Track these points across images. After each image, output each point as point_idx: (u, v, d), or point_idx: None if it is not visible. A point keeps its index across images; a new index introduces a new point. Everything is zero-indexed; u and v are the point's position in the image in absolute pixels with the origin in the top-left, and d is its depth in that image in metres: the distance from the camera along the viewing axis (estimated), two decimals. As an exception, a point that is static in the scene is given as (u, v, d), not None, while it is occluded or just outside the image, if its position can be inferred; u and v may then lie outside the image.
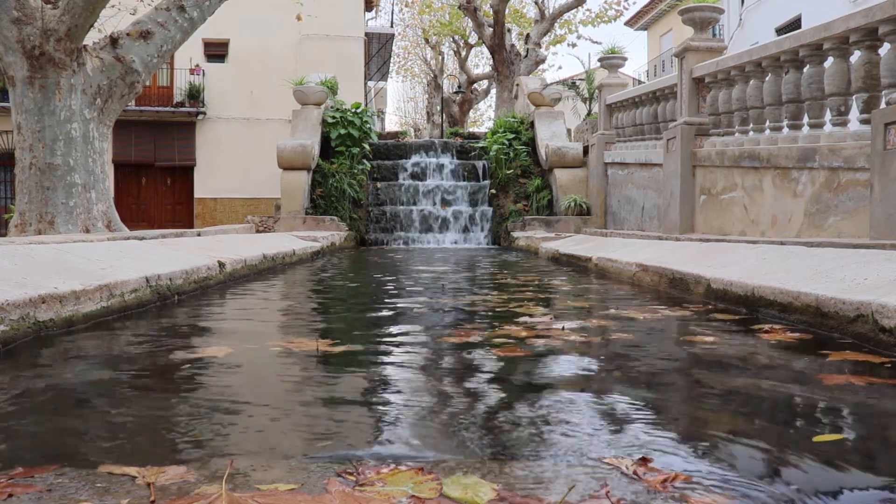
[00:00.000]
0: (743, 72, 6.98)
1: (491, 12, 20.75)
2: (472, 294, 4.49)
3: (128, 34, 8.01)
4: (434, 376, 2.08)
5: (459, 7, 21.82)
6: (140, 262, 3.98)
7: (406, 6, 29.30)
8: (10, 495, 1.05)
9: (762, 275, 3.45)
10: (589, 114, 15.18)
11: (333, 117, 13.04)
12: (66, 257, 3.53)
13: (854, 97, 5.50)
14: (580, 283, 5.25)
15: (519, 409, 1.67)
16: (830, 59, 5.76)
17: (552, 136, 13.38)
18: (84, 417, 1.60)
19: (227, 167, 20.04)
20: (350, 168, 12.72)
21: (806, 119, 6.22)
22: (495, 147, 13.33)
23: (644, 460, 1.21)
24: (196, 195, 20.41)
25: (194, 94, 19.96)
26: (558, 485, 1.11)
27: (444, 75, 34.14)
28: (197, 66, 19.94)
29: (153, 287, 3.64)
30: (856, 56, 5.47)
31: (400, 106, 50.85)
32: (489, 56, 23.09)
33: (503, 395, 1.84)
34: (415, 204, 12.89)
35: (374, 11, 26.12)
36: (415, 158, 13.84)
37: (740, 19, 23.41)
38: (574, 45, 31.88)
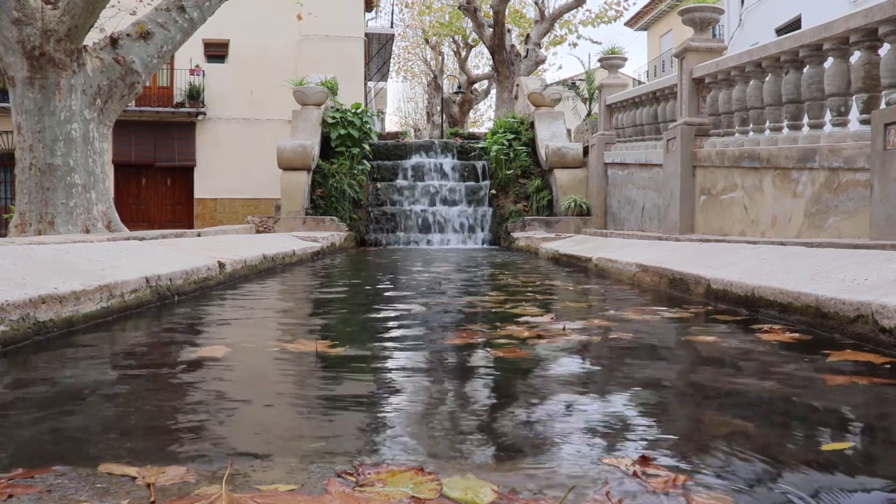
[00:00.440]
0: (743, 72, 6.98)
1: (491, 13, 20.76)
2: (472, 295, 4.49)
3: (128, 34, 8.02)
4: (434, 377, 2.08)
5: (459, 7, 21.82)
6: (140, 263, 3.98)
7: (406, 7, 29.33)
8: (10, 496, 1.05)
9: (762, 275, 3.45)
10: (589, 114, 15.19)
11: (333, 118, 13.04)
12: (66, 258, 3.53)
13: (854, 97, 5.50)
14: (580, 284, 5.25)
15: (519, 410, 1.67)
16: (830, 60, 5.76)
17: (552, 136, 13.38)
18: (84, 418, 1.60)
19: (227, 167, 20.04)
20: (350, 168, 12.72)
21: (806, 119, 6.22)
22: (495, 147, 13.34)
23: (644, 461, 1.21)
24: (196, 195, 20.41)
25: (194, 95, 19.96)
26: (559, 485, 1.11)
27: (444, 76, 34.15)
28: (197, 66, 19.95)
29: (153, 287, 3.64)
30: (856, 56, 5.47)
31: (400, 106, 50.88)
32: (489, 56, 23.10)
33: (503, 395, 1.83)
34: (415, 204, 12.89)
35: (374, 12, 26.12)
36: (415, 159, 13.84)
37: (740, 20, 23.42)
38: (574, 46, 31.89)
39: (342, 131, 12.93)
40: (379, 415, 1.66)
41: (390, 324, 3.22)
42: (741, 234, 6.72)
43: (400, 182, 13.26)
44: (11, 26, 7.30)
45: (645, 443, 1.39)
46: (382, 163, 13.64)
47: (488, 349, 2.44)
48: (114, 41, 7.98)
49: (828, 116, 5.87)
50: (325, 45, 20.38)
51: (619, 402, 1.73)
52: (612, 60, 12.17)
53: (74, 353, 2.41)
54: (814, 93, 5.92)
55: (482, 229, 12.73)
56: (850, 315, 2.49)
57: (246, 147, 19.90)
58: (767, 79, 6.59)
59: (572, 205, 12.10)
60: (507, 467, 1.22)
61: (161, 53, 8.23)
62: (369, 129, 13.63)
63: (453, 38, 30.44)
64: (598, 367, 2.21)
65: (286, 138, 13.43)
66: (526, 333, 2.72)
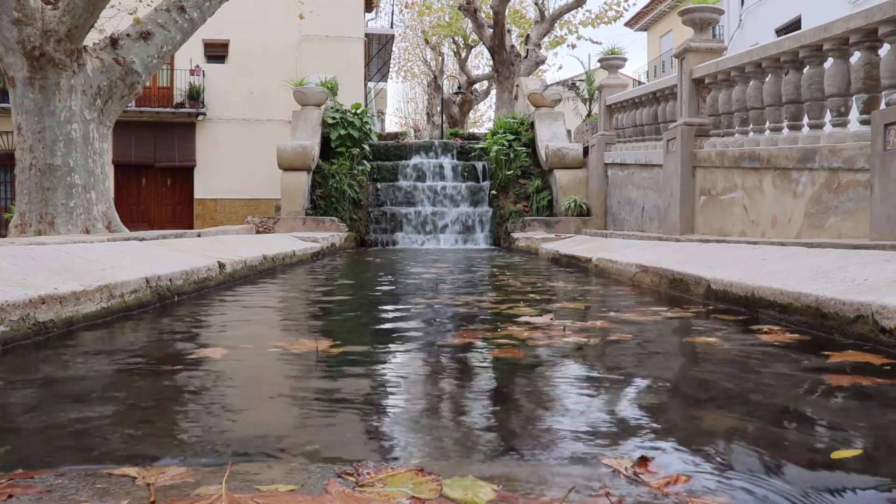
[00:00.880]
0: (743, 72, 6.98)
1: (491, 13, 20.76)
2: (472, 295, 4.49)
3: (128, 35, 8.02)
4: (434, 377, 2.08)
5: (459, 8, 21.83)
6: (140, 263, 3.98)
7: (406, 7, 29.32)
8: (10, 496, 1.05)
9: (762, 276, 3.45)
10: (589, 114, 15.19)
11: (333, 118, 13.04)
12: (66, 258, 3.53)
13: (854, 98, 5.50)
14: (580, 284, 5.25)
15: (519, 410, 1.67)
16: (830, 60, 5.76)
17: (552, 136, 13.38)
18: (84, 418, 1.60)
19: (228, 168, 20.04)
20: (350, 169, 12.72)
21: (806, 120, 6.22)
22: (495, 148, 13.34)
23: (644, 461, 1.21)
24: (196, 196, 20.41)
25: (194, 95, 19.96)
26: (558, 485, 1.11)
27: (444, 76, 34.14)
28: (197, 66, 19.95)
29: (153, 288, 3.64)
30: (856, 57, 5.47)
31: (400, 107, 50.88)
32: (489, 57, 23.09)
33: (503, 395, 1.83)
34: (415, 205, 12.89)
35: (374, 12, 26.13)
36: (415, 159, 13.84)
37: (740, 20, 23.42)
38: (574, 46, 31.91)
39: (342, 132, 12.93)
40: (379, 415, 1.66)
41: (391, 324, 3.22)
42: (741, 235, 6.72)
43: (400, 182, 13.26)
44: (11, 26, 7.30)
45: (645, 443, 1.39)
46: (382, 163, 13.64)
47: (488, 349, 2.44)
48: (114, 41, 7.98)
49: (828, 117, 5.87)
50: (325, 45, 20.38)
51: (620, 403, 1.73)
52: (612, 61, 12.17)
53: (74, 353, 2.41)
54: (814, 93, 5.93)
55: (482, 230, 12.73)
56: (851, 315, 2.49)
57: (246, 147, 19.90)
58: (767, 79, 6.59)
59: (572, 205, 12.10)
60: (507, 467, 1.22)
61: (161, 54, 8.24)
62: (369, 129, 13.63)
63: (453, 39, 30.44)
64: (598, 368, 2.21)
65: (286, 138, 13.43)
66: (526, 334, 2.72)
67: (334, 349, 2.46)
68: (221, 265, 4.83)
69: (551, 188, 13.05)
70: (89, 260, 3.65)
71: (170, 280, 3.87)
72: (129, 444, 1.40)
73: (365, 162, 13.20)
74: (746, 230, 6.79)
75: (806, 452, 1.33)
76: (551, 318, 3.16)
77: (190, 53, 19.00)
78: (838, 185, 5.43)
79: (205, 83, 20.09)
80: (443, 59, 34.32)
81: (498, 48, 20.80)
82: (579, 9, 22.20)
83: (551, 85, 16.15)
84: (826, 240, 4.57)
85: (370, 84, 26.78)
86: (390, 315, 3.51)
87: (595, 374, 2.10)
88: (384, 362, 2.33)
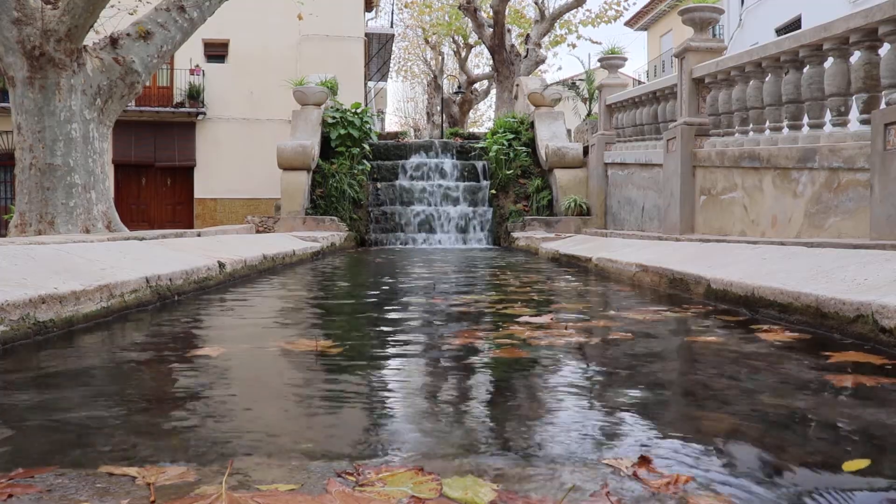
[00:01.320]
0: (743, 72, 6.98)
1: (491, 13, 20.76)
2: (472, 295, 4.49)
3: (128, 34, 8.02)
4: (435, 377, 2.08)
5: (459, 7, 21.82)
6: (140, 263, 3.98)
7: (406, 6, 29.31)
8: (10, 496, 1.05)
9: (762, 275, 3.45)
10: (589, 114, 15.19)
11: (333, 118, 13.04)
12: (66, 258, 3.53)
13: (854, 97, 5.50)
14: (580, 284, 5.25)
15: (520, 409, 1.67)
16: (830, 60, 5.76)
17: (552, 136, 13.38)
18: (84, 417, 1.60)
19: (228, 167, 20.04)
20: (350, 168, 12.72)
21: (806, 119, 6.22)
22: (495, 147, 13.34)
23: (644, 461, 1.21)
24: (196, 195, 20.41)
25: (194, 95, 19.96)
26: (558, 485, 1.11)
27: (444, 76, 34.14)
28: (197, 66, 19.95)
29: (153, 287, 3.64)
30: (856, 56, 5.47)
31: (400, 106, 50.88)
32: (489, 56, 23.09)
33: (504, 395, 1.83)
34: (414, 204, 12.89)
35: (373, 12, 26.12)
36: (415, 159, 13.84)
37: (740, 20, 23.42)
38: (574, 46, 31.89)
39: (342, 131, 12.93)
40: (379, 414, 1.66)
41: (391, 324, 3.22)
42: (741, 234, 6.72)
43: (400, 182, 13.26)
44: (11, 26, 7.30)
45: (645, 443, 1.39)
46: (382, 163, 13.64)
47: (489, 349, 2.44)
48: (114, 41, 7.98)
49: (828, 116, 5.87)
50: (325, 44, 20.37)
51: (620, 403, 1.73)
52: (612, 60, 12.17)
53: (74, 353, 2.41)
54: (814, 93, 5.92)
55: (482, 229, 12.73)
56: (851, 315, 2.49)
57: (246, 147, 19.90)
58: (767, 79, 6.59)
59: (572, 205, 12.10)
60: (508, 467, 1.22)
61: (161, 53, 8.23)
62: (369, 128, 13.63)
63: (453, 38, 30.44)
64: (599, 368, 2.21)
65: (286, 138, 13.43)
66: (526, 333, 2.71)
67: (334, 349, 2.46)
68: (221, 265, 4.83)
69: (551, 188, 13.05)
70: (89, 260, 3.65)
71: (170, 280, 3.87)
72: (130, 443, 1.40)
73: (365, 161, 13.20)
74: (746, 230, 6.79)
75: (808, 453, 1.33)
76: (551, 318, 3.16)
77: (190, 53, 18.99)
78: (838, 184, 5.43)
79: (205, 83, 20.09)
80: (443, 59, 34.32)
81: (498, 48, 20.80)
82: (579, 8, 22.21)
83: (551, 84, 16.15)
84: (826, 239, 4.57)
85: (370, 84, 26.78)
86: (390, 315, 3.51)
87: (595, 374, 2.10)
88: (384, 362, 2.33)
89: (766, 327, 2.80)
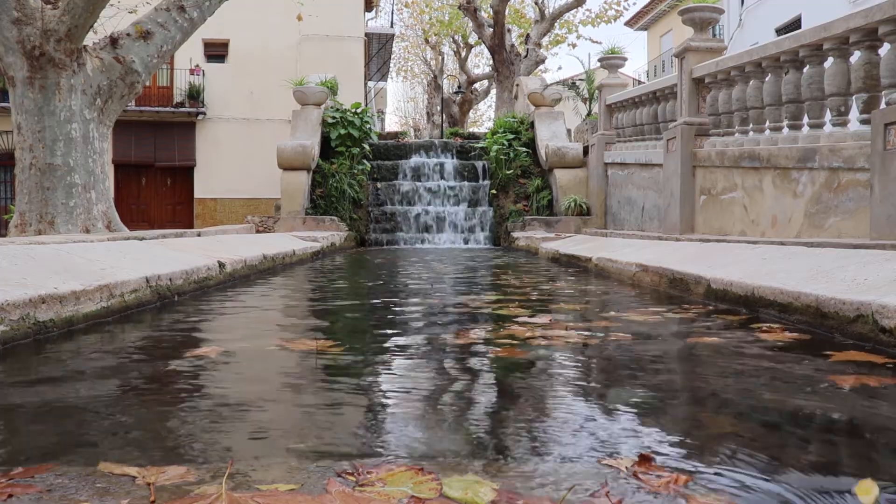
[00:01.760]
0: (743, 72, 6.98)
1: (491, 13, 20.75)
2: (472, 295, 4.49)
3: (128, 34, 8.01)
4: (434, 376, 2.08)
5: (459, 7, 21.82)
6: (140, 263, 3.98)
7: (406, 6, 29.31)
8: (10, 495, 1.05)
9: (762, 275, 3.45)
10: (589, 114, 15.19)
11: (333, 117, 13.04)
12: (66, 257, 3.53)
13: (854, 97, 5.50)
14: (580, 284, 5.25)
15: (520, 410, 1.67)
16: (830, 60, 5.76)
17: (552, 136, 13.38)
18: (84, 417, 1.60)
19: (228, 167, 20.04)
20: (350, 168, 12.72)
21: (806, 119, 6.22)
22: (495, 147, 13.34)
23: (644, 461, 1.21)
24: (196, 195, 20.41)
25: (194, 95, 19.96)
26: (559, 485, 1.11)
27: (444, 75, 34.14)
28: (197, 66, 19.95)
29: (153, 287, 3.64)
30: (856, 56, 5.47)
31: (400, 106, 50.89)
32: (489, 56, 23.09)
33: (503, 395, 1.83)
34: (414, 204, 12.89)
35: (373, 12, 26.11)
36: (415, 159, 13.84)
37: (740, 19, 23.41)
38: (574, 46, 31.86)
39: (342, 131, 12.93)
40: (379, 414, 1.66)
41: (390, 323, 3.22)
42: (741, 234, 6.72)
43: (400, 182, 13.26)
44: (11, 26, 7.30)
45: (645, 443, 1.39)
46: (382, 163, 13.64)
47: (489, 349, 2.44)
48: (114, 41, 7.98)
49: (828, 116, 5.87)
50: (325, 45, 20.37)
51: (620, 403, 1.73)
52: (612, 60, 12.17)
53: (74, 352, 2.41)
54: (814, 93, 5.92)
55: (482, 229, 12.73)
56: (851, 315, 2.49)
57: (246, 147, 19.90)
58: (767, 79, 6.59)
59: (572, 205, 12.10)
60: (508, 467, 1.21)
61: (161, 53, 8.23)
62: (369, 128, 13.63)
63: (453, 38, 30.44)
64: (599, 368, 2.21)
65: (286, 138, 13.43)
66: (527, 333, 2.71)
67: (334, 348, 2.46)
68: (221, 265, 4.83)
69: (551, 188, 13.05)
70: (89, 259, 3.65)
71: (170, 279, 3.87)
72: (130, 443, 1.40)
73: (365, 161, 13.20)
74: (746, 230, 6.79)
75: (809, 453, 1.33)
76: (551, 318, 3.16)
77: (190, 53, 19.00)
78: (838, 184, 5.43)
79: (205, 83, 20.09)
80: (443, 59, 34.32)
81: (498, 47, 20.80)
82: (579, 8, 22.21)
83: (551, 84, 16.15)
84: (826, 239, 4.57)
85: (370, 83, 26.78)
86: (390, 314, 3.51)
87: (596, 374, 2.10)
88: (384, 362, 2.33)
89: (766, 327, 2.80)
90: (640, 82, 27.27)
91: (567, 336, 2.68)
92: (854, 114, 5.53)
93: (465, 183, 13.33)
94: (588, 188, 12.42)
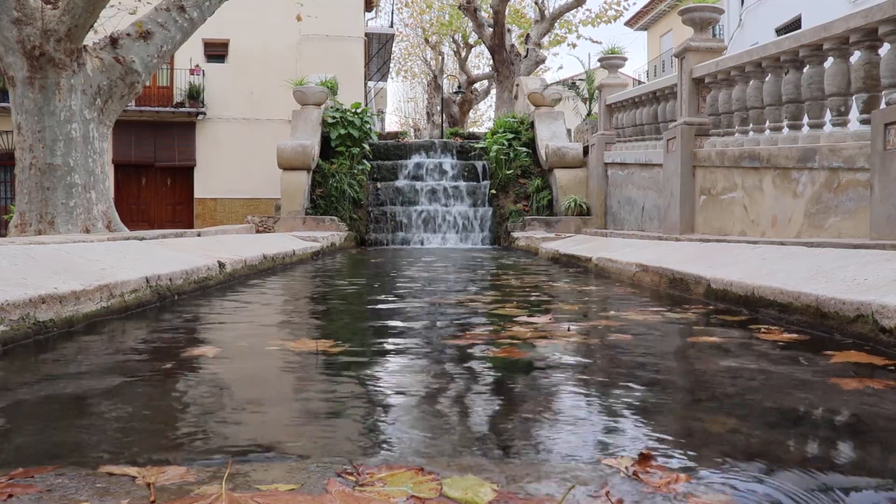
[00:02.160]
0: (743, 72, 6.98)
1: (491, 13, 20.75)
2: (472, 294, 4.49)
3: (128, 34, 8.02)
4: (435, 377, 2.08)
5: (459, 7, 21.82)
6: (140, 263, 3.98)
7: (406, 6, 29.31)
8: (10, 495, 1.05)
9: (762, 275, 3.45)
10: (589, 114, 15.19)
11: (333, 117, 13.04)
12: (66, 257, 3.53)
13: (854, 97, 5.50)
14: (581, 284, 5.25)
15: (520, 409, 1.67)
16: (830, 60, 5.76)
17: (552, 136, 13.38)
18: (84, 417, 1.60)
19: (228, 167, 20.04)
20: (350, 168, 12.72)
21: (806, 119, 6.22)
22: (495, 147, 13.34)
23: (644, 460, 1.21)
24: (196, 195, 20.41)
25: (194, 95, 19.96)
26: (559, 485, 1.11)
27: (444, 76, 34.13)
28: (197, 66, 19.94)
29: (153, 287, 3.64)
30: (856, 56, 5.47)
31: (400, 106, 50.89)
32: (489, 56, 23.09)
33: (504, 395, 1.83)
34: (414, 204, 12.89)
35: (373, 12, 26.11)
36: (415, 159, 13.84)
37: (740, 19, 23.41)
38: (574, 46, 31.89)
39: (342, 131, 12.93)
40: (379, 414, 1.66)
41: (391, 323, 3.22)
42: (741, 234, 6.72)
43: (400, 182, 13.26)
44: (11, 26, 7.30)
45: (645, 442, 1.39)
46: (382, 163, 13.64)
47: (489, 349, 2.44)
48: (114, 41, 7.98)
49: (828, 116, 5.87)
50: (325, 44, 20.37)
51: (620, 402, 1.73)
52: (612, 60, 12.17)
53: (74, 352, 2.41)
54: (814, 93, 5.92)
55: (482, 229, 12.73)
56: (851, 315, 2.49)
57: (246, 147, 19.90)
58: (767, 79, 6.59)
59: (572, 205, 12.10)
60: (508, 467, 1.21)
61: (161, 53, 8.23)
62: (369, 128, 13.63)
63: (453, 38, 30.44)
64: (599, 368, 2.21)
65: (286, 138, 13.43)
66: (528, 333, 2.71)
67: (334, 349, 2.46)
68: (221, 265, 4.83)
69: (551, 188, 13.05)
70: (89, 259, 3.65)
71: (170, 279, 3.87)
72: (130, 443, 1.40)
73: (365, 161, 13.20)
74: (746, 230, 6.79)
75: (809, 453, 1.33)
76: (551, 318, 3.15)
77: (190, 53, 19.00)
78: (838, 184, 5.43)
79: (205, 83, 20.09)
80: (443, 59, 34.32)
81: (498, 48, 20.80)
82: (579, 8, 22.21)
83: (551, 84, 16.15)
84: (826, 239, 4.57)
85: (370, 83, 26.78)
86: (390, 315, 3.51)
87: (596, 374, 2.10)
88: (384, 362, 2.33)
89: (766, 327, 2.80)
90: (640, 82, 27.27)
91: (567, 336, 2.68)
92: (854, 114, 5.53)
93: (465, 183, 13.33)
94: (588, 188, 12.42)
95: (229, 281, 4.94)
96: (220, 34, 19.32)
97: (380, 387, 1.95)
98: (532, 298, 4.14)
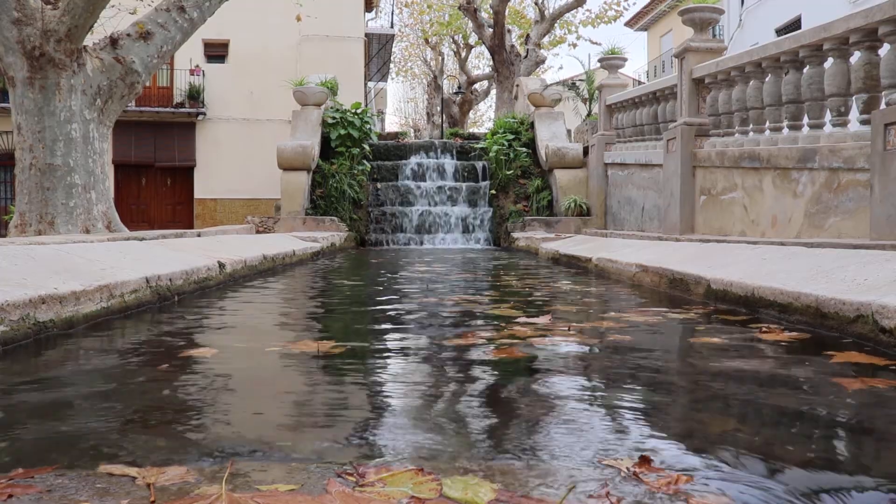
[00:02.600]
0: (743, 72, 6.98)
1: (491, 13, 20.76)
2: (472, 295, 4.49)
3: (128, 34, 8.02)
4: (434, 377, 2.08)
5: (459, 8, 21.83)
6: (140, 263, 3.97)
7: (406, 6, 29.31)
8: (10, 496, 1.05)
9: (762, 275, 3.45)
10: (589, 114, 15.19)
11: (333, 118, 13.04)
12: (67, 258, 3.53)
13: (854, 98, 5.50)
14: (581, 284, 5.25)
15: (520, 409, 1.67)
16: (830, 60, 5.76)
17: (552, 136, 13.38)
18: (84, 418, 1.60)
19: (228, 168, 20.04)
20: (350, 169, 12.72)
21: (806, 119, 6.22)
22: (495, 148, 13.34)
23: (645, 461, 1.21)
24: (196, 196, 20.41)
25: (194, 95, 19.96)
26: (559, 485, 1.11)
27: (444, 76, 34.14)
28: (197, 66, 19.94)
29: (153, 287, 3.64)
30: (856, 57, 5.47)
31: (400, 106, 50.91)
32: (489, 57, 23.10)
33: (504, 395, 1.83)
34: (414, 204, 12.89)
35: (373, 12, 26.12)
36: (415, 159, 13.84)
37: (740, 20, 23.42)
38: (574, 46, 31.86)
39: (342, 131, 12.93)
40: (379, 415, 1.66)
41: (391, 324, 3.22)
42: (741, 235, 6.72)
43: (400, 182, 13.26)
44: (11, 26, 7.30)
45: (645, 443, 1.39)
46: (382, 163, 13.64)
47: (489, 349, 2.44)
48: (114, 41, 7.98)
49: (828, 116, 5.87)
50: (325, 45, 20.37)
51: (621, 403, 1.73)
52: (612, 61, 12.17)
53: (75, 353, 2.41)
54: (814, 93, 5.92)
55: (482, 229, 12.73)
56: (851, 315, 2.49)
57: (246, 147, 19.90)
58: (767, 79, 6.59)
59: (572, 205, 12.10)
60: (507, 467, 1.21)
61: (161, 53, 8.23)
62: (369, 129, 13.63)
63: (453, 39, 30.44)
64: (599, 368, 2.21)
65: (286, 138, 13.43)
66: (528, 334, 2.71)
67: (334, 349, 2.46)
68: (221, 265, 4.83)
69: (551, 188, 13.05)
70: (89, 260, 3.65)
71: (170, 280, 3.87)
72: (130, 443, 1.40)
73: (365, 162, 13.20)
74: (746, 230, 6.79)
75: (808, 452, 1.33)
76: (551, 319, 3.15)
77: (190, 53, 19.00)
78: (838, 184, 5.43)
79: (205, 83, 20.09)
80: (443, 59, 34.32)
81: (498, 48, 20.80)
82: (579, 8, 22.21)
83: (551, 85, 16.15)
84: (826, 239, 4.57)
85: (370, 84, 26.78)
86: (390, 315, 3.51)
87: (595, 374, 2.10)
88: (384, 362, 2.33)
89: (766, 327, 2.80)
90: (640, 83, 27.27)
91: (567, 336, 2.68)
92: (854, 114, 5.53)
93: (465, 183, 13.33)
94: (588, 188, 12.42)
95: (229, 281, 4.94)
96: (220, 34, 19.32)
97: (380, 387, 1.95)
98: (532, 299, 4.14)
